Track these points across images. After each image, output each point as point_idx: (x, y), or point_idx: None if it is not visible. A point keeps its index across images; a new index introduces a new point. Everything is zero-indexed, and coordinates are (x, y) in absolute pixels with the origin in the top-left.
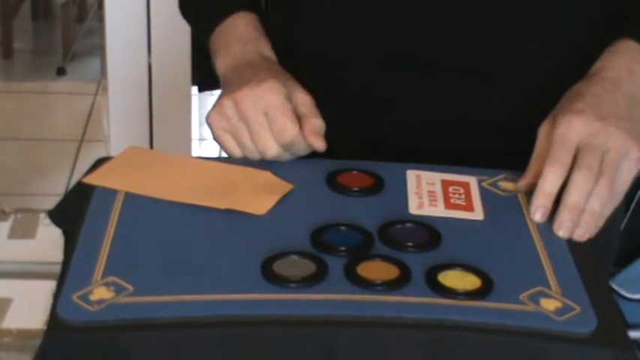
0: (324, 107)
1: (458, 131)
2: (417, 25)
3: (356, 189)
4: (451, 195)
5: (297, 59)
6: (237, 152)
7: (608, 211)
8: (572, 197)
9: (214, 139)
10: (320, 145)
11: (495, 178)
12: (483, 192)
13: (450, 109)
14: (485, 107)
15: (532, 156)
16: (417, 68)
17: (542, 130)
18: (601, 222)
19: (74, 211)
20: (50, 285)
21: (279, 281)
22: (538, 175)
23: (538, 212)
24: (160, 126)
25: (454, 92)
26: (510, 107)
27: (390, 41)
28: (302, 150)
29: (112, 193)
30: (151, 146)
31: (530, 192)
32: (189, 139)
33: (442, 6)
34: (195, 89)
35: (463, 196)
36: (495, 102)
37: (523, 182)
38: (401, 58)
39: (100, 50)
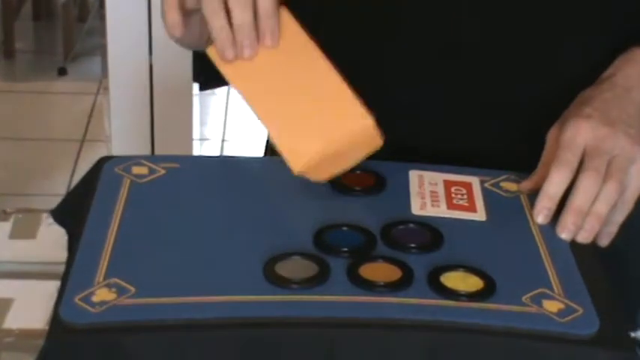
0: None
1: (468, 132)
2: (431, 29)
3: (358, 189)
4: (453, 195)
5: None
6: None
7: (619, 218)
8: (577, 200)
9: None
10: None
11: (498, 179)
12: (486, 193)
13: (462, 110)
14: (497, 109)
15: (539, 163)
16: (428, 68)
17: (551, 135)
18: (613, 229)
19: (77, 210)
20: (52, 285)
21: (281, 282)
22: (543, 180)
23: (541, 214)
24: (161, 125)
25: (465, 93)
26: (525, 110)
27: (404, 42)
28: None
29: (114, 193)
30: (152, 146)
31: (533, 194)
32: (190, 139)
33: (456, 10)
34: (196, 88)
35: (465, 197)
36: (508, 104)
37: (527, 184)
38: (414, 59)
39: (101, 50)
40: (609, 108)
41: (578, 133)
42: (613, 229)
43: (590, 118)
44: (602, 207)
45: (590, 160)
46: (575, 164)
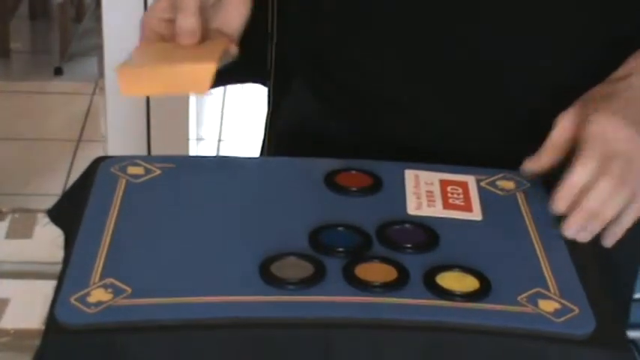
0: (342, 107)
1: (467, 132)
2: (430, 27)
3: (354, 189)
4: (449, 195)
5: (314, 56)
6: None
7: (628, 221)
8: (591, 202)
9: None
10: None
11: (494, 178)
12: (481, 192)
13: (461, 110)
14: (495, 109)
15: (546, 143)
16: (427, 68)
17: (564, 121)
18: (620, 230)
19: (73, 210)
20: (48, 285)
21: (277, 283)
22: (550, 163)
23: (562, 200)
24: (158, 125)
25: (464, 92)
26: (518, 110)
27: (402, 41)
28: None
29: (109, 193)
30: (149, 146)
31: (535, 177)
32: (186, 139)
33: (455, 8)
34: None
35: (461, 196)
36: (506, 103)
37: (533, 165)
38: (413, 58)
39: (97, 50)
40: (631, 108)
41: (607, 130)
42: (620, 231)
43: (616, 115)
44: (610, 212)
45: (610, 163)
46: (600, 161)
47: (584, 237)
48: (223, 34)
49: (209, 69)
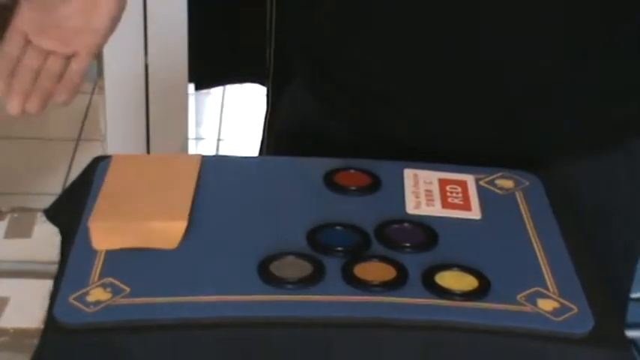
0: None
1: (465, 133)
2: (430, 27)
3: (353, 188)
4: (448, 194)
5: (314, 56)
6: None
7: None
8: None
9: None
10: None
11: (492, 177)
12: (480, 190)
13: (459, 109)
14: (494, 110)
15: None
16: (427, 68)
17: None
18: None
19: (71, 209)
20: (47, 284)
21: (276, 282)
22: None
23: None
24: (157, 125)
25: (464, 92)
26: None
27: (402, 41)
28: None
29: None
30: (148, 145)
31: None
32: (185, 138)
33: (455, 8)
34: (191, 87)
35: (460, 195)
36: (504, 104)
37: None
38: (413, 58)
39: None
40: None
41: None
42: None
43: None
44: None
45: None
46: None
47: None
48: (88, 33)
49: (180, 226)
